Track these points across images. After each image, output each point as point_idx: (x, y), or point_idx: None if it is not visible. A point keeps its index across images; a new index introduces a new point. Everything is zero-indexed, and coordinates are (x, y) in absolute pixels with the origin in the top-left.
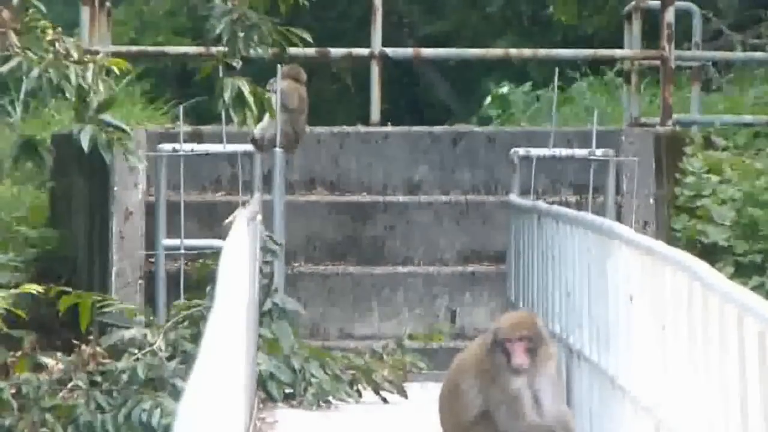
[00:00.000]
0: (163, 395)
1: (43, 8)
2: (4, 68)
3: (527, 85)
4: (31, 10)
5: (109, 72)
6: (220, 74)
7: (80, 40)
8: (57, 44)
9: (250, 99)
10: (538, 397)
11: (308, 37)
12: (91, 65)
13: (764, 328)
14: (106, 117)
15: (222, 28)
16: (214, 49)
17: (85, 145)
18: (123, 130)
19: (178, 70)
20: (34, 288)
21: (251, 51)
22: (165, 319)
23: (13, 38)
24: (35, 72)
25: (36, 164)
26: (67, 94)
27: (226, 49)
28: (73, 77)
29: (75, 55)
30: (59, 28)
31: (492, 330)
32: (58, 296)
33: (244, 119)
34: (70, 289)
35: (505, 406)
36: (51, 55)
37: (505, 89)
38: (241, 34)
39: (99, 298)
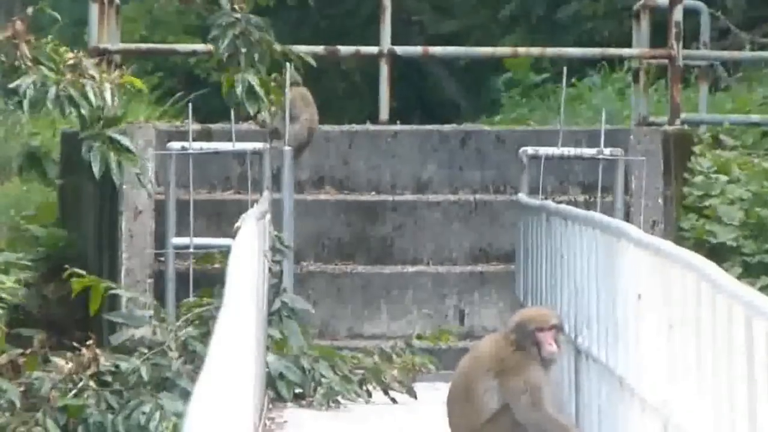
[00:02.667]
0: (166, 397)
1: (58, 17)
2: (21, 84)
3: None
4: (50, 36)
5: (123, 88)
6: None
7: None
8: (77, 66)
9: (261, 92)
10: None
11: (310, 60)
12: (108, 84)
13: None
14: (114, 134)
15: (224, 47)
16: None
17: (95, 169)
18: (129, 151)
19: (187, 67)
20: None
21: (251, 68)
22: (174, 318)
23: (25, 50)
24: (53, 91)
25: (39, 176)
26: (83, 111)
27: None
28: (92, 96)
29: (96, 76)
30: (80, 53)
31: (516, 325)
32: (70, 278)
33: (259, 110)
34: (83, 272)
35: (525, 396)
36: (69, 75)
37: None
38: (244, 50)
39: (110, 285)
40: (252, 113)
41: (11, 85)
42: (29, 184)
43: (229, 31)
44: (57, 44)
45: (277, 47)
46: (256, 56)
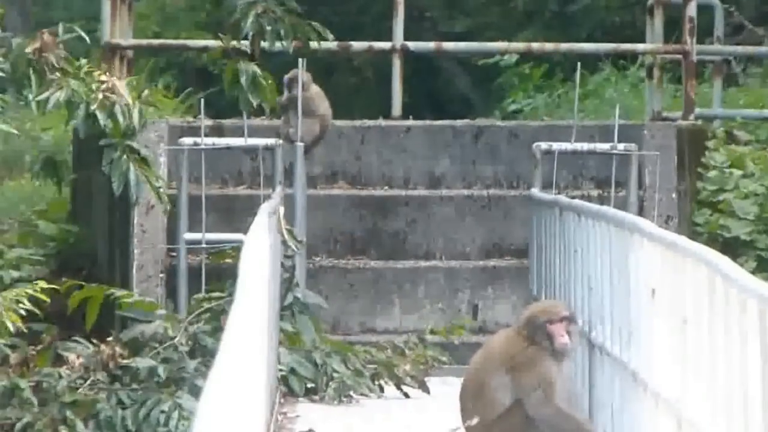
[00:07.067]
0: (182, 394)
1: (86, 37)
2: (50, 97)
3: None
4: (83, 60)
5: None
6: (229, 59)
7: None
8: (109, 88)
9: (265, 82)
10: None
11: (328, 34)
12: (137, 104)
13: None
14: (133, 144)
15: (248, 25)
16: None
17: (115, 186)
18: (146, 162)
19: (199, 63)
20: (40, 286)
21: (277, 44)
22: (186, 313)
23: (53, 61)
24: (81, 110)
25: (55, 184)
26: (107, 129)
27: (244, 44)
28: (120, 117)
29: (129, 99)
30: (112, 77)
31: (526, 319)
32: (70, 291)
33: (264, 100)
34: (82, 283)
35: (538, 391)
36: (100, 95)
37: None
38: (269, 28)
39: (113, 291)
40: (255, 104)
41: (40, 97)
42: (41, 179)
43: (252, 10)
44: (91, 67)
45: (297, 23)
46: (282, 32)
